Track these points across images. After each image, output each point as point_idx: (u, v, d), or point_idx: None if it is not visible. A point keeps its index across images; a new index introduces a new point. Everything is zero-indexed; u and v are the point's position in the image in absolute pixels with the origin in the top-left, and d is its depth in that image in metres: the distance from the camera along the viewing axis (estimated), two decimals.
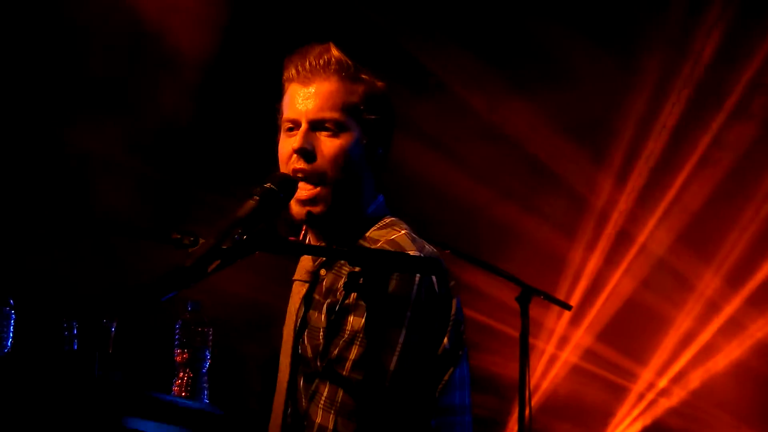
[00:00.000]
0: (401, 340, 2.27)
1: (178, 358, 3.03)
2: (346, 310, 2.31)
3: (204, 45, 5.37)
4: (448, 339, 2.37)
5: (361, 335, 2.27)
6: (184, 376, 3.01)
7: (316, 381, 2.33)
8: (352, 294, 2.28)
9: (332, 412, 2.27)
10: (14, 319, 3.23)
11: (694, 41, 5.92)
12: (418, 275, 2.29)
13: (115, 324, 2.99)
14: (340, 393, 2.27)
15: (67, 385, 2.74)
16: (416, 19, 5.82)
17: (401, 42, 5.73)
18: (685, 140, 6.00)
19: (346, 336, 2.29)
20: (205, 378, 3.04)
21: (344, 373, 2.27)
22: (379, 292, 1.98)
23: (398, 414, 2.27)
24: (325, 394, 2.30)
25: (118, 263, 4.92)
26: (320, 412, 2.29)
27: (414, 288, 2.29)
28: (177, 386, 3.00)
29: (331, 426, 2.26)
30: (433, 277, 2.34)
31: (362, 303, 2.27)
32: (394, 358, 2.26)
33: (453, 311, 2.40)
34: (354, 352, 2.27)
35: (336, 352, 2.30)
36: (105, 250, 4.88)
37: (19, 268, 4.49)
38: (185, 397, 2.95)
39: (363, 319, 2.27)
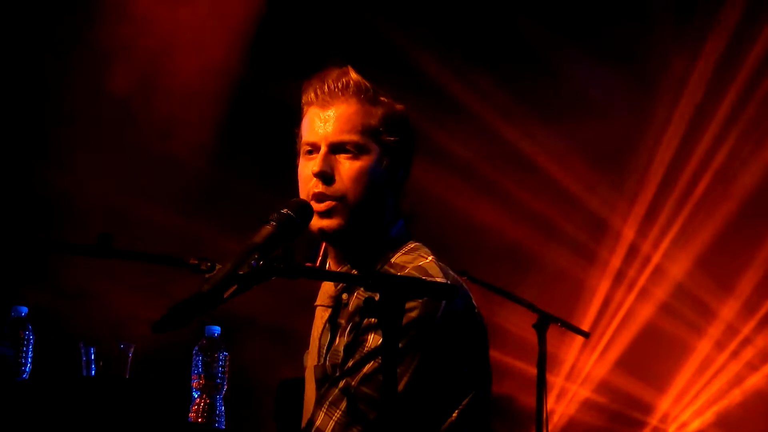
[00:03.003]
0: (415, 363, 2.27)
1: (195, 384, 3.02)
2: (368, 329, 2.32)
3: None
4: (470, 363, 2.37)
5: (378, 353, 2.27)
6: (200, 401, 3.00)
7: (326, 385, 2.34)
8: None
9: (332, 418, 2.28)
10: (33, 345, 3.24)
11: (718, 69, 5.93)
12: (444, 300, 2.29)
13: (132, 349, 3.00)
14: (344, 402, 2.28)
15: (85, 411, 2.74)
16: (446, 46, 5.86)
17: (429, 69, 5.77)
18: (706, 166, 5.99)
19: (364, 351, 2.30)
20: (222, 404, 3.04)
21: (353, 383, 2.28)
22: (396, 317, 1.97)
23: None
24: (330, 399, 2.31)
25: (137, 288, 4.95)
26: (321, 416, 2.30)
27: (438, 312, 2.29)
28: (194, 412, 2.99)
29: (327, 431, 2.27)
30: (459, 303, 2.34)
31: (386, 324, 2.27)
32: (404, 380, 2.26)
33: (477, 336, 2.40)
34: (367, 367, 2.28)
35: (351, 363, 2.31)
36: (124, 275, 4.91)
37: (37, 293, 4.51)
38: (202, 423, 2.95)
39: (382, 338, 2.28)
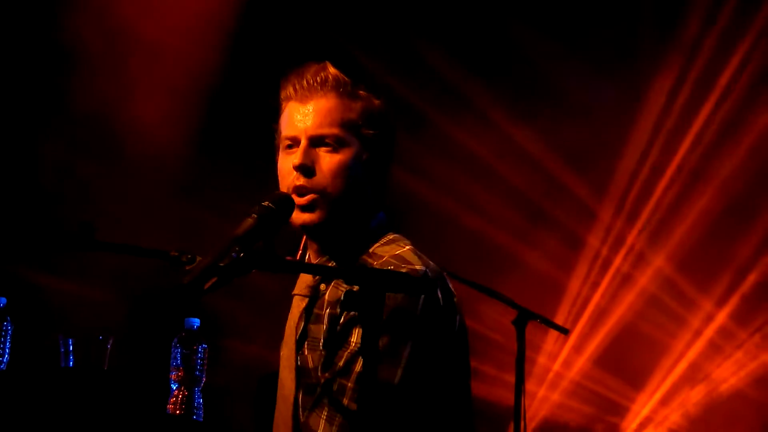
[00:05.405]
0: (406, 354, 2.27)
1: (174, 376, 3.03)
2: (352, 322, 2.31)
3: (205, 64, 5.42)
4: (452, 353, 2.38)
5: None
6: (179, 393, 3.01)
7: (318, 391, 2.33)
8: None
9: (334, 424, 2.26)
10: (11, 336, 3.23)
11: (699, 70, 5.97)
12: (423, 293, 2.30)
13: (111, 340, 3.00)
14: (344, 404, 2.27)
15: (63, 402, 2.74)
16: (419, 49, 5.86)
17: (399, 69, 5.77)
18: (685, 169, 6.02)
19: (351, 347, 2.30)
20: (200, 396, 3.04)
21: (349, 384, 2.27)
22: (376, 310, 1.98)
23: (402, 428, 2.27)
24: (328, 404, 2.29)
25: (116, 280, 4.94)
26: (322, 423, 2.28)
27: (420, 302, 2.30)
28: (172, 404, 3.00)
29: None
30: (438, 292, 2.35)
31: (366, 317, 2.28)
32: (399, 372, 2.26)
33: (457, 326, 2.41)
34: (360, 364, 2.27)
35: (341, 363, 2.30)
36: (102, 266, 4.90)
37: (16, 284, 4.50)
38: (180, 416, 2.95)
39: (361, 330, 2.28)
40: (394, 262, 2.34)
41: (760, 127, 5.94)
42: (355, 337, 2.30)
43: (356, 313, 2.30)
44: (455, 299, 2.43)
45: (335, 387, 2.29)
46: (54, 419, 2.70)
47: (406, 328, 2.28)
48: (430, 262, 2.42)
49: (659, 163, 6.06)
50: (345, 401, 2.27)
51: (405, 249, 2.40)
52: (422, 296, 2.30)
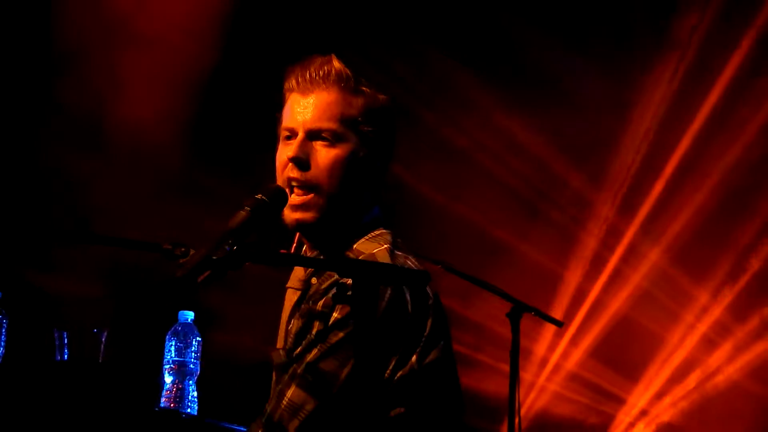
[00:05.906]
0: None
1: (168, 369, 3.04)
2: (317, 315, 2.32)
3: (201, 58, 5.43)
4: (418, 358, 2.33)
5: (324, 340, 2.29)
6: (173, 387, 3.02)
7: (281, 374, 2.37)
8: (322, 300, 2.31)
9: (281, 405, 2.28)
10: (6, 329, 3.23)
11: (695, 63, 5.97)
12: (389, 291, 2.29)
13: (106, 333, 3.00)
14: (291, 390, 2.29)
15: (58, 395, 2.75)
16: (412, 36, 5.86)
17: (393, 58, 5.77)
18: (681, 162, 6.03)
19: (312, 338, 2.31)
20: (195, 389, 3.05)
21: (299, 371, 2.29)
22: (368, 303, 1.98)
23: (343, 423, 2.26)
24: (280, 386, 2.32)
25: (110, 274, 4.95)
26: (273, 402, 2.32)
27: (383, 303, 2.28)
28: (166, 397, 3.00)
29: (276, 418, 2.28)
30: (407, 296, 2.33)
31: (333, 310, 2.29)
32: (346, 369, 2.27)
33: (428, 330, 2.36)
34: (312, 354, 2.29)
35: (299, 351, 2.32)
36: (96, 259, 4.91)
37: (11, 278, 4.50)
38: (173, 408, 2.96)
39: (327, 325, 2.29)
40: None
41: (756, 120, 5.95)
42: (316, 329, 2.31)
43: (320, 307, 2.31)
44: (429, 302, 2.39)
45: (290, 371, 2.31)
46: (49, 412, 2.70)
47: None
48: (408, 261, 2.41)
49: (655, 156, 6.07)
50: (292, 386, 2.29)
51: (381, 248, 2.39)
52: (386, 298, 2.28)
